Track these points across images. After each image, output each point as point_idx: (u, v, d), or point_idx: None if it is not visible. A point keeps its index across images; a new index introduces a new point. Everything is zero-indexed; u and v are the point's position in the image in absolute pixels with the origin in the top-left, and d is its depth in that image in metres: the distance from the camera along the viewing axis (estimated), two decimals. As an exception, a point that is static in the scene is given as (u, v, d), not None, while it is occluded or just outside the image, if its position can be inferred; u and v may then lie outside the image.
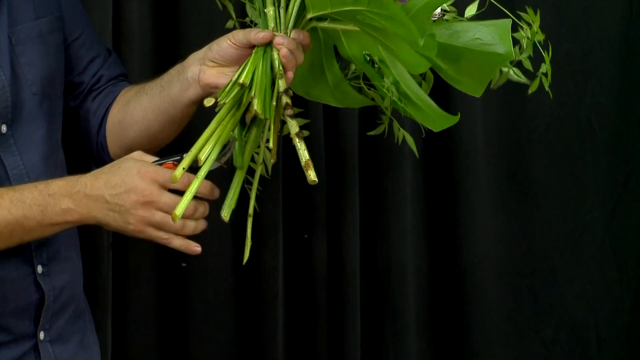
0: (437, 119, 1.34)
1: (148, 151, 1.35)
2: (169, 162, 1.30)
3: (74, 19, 1.47)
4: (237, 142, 1.30)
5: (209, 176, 1.30)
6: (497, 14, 1.41)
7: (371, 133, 1.56)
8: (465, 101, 2.03)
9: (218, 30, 1.80)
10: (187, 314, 1.93)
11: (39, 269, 1.35)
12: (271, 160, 1.36)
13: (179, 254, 1.85)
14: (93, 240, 1.77)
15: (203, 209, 1.30)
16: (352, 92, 1.40)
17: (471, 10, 1.41)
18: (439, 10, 1.37)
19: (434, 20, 1.36)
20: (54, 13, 1.42)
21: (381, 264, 2.05)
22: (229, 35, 1.35)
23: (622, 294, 2.22)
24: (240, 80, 1.28)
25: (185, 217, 1.27)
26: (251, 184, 1.40)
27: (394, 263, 2.04)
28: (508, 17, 1.37)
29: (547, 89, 1.45)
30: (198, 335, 1.93)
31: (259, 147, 1.39)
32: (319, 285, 1.99)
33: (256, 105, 1.27)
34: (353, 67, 1.45)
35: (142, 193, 1.26)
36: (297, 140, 1.27)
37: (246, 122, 1.32)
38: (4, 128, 1.33)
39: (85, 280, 1.50)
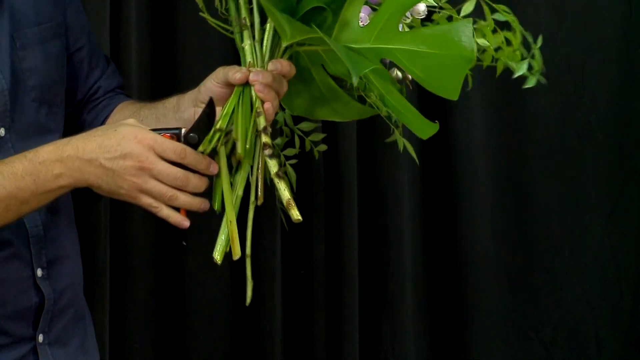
0: (423, 127, 1.33)
1: None
2: (167, 133, 1.28)
3: (78, 29, 1.47)
4: (222, 187, 1.29)
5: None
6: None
7: (388, 140, 1.56)
8: (465, 102, 2.03)
9: (215, 35, 1.81)
10: (184, 313, 1.93)
11: (39, 272, 1.34)
12: (257, 203, 1.34)
13: (177, 250, 1.88)
14: (91, 240, 1.77)
15: (196, 182, 1.26)
16: (353, 103, 1.40)
17: (468, 8, 1.41)
18: (423, 7, 1.36)
19: (421, 20, 1.36)
20: (56, 19, 1.42)
21: (379, 264, 2.05)
22: (213, 74, 1.34)
23: (622, 294, 2.22)
24: (217, 126, 1.28)
25: (176, 187, 1.25)
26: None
27: (393, 264, 2.04)
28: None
29: (537, 80, 1.45)
30: (195, 335, 1.93)
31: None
32: (318, 285, 1.99)
33: (239, 149, 1.27)
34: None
35: (138, 159, 1.24)
36: (277, 180, 1.26)
37: (232, 164, 1.31)
38: (2, 131, 1.32)
39: (83, 280, 1.50)
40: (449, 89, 1.29)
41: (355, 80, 1.17)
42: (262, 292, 1.93)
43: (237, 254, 1.29)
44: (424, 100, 1.87)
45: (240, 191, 1.31)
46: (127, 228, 1.86)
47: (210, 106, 1.30)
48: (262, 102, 1.29)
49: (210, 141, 1.28)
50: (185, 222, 1.27)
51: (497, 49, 1.43)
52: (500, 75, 2.11)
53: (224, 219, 1.30)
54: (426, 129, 1.33)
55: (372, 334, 2.05)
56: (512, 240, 2.16)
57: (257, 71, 1.30)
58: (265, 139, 1.28)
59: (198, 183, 1.26)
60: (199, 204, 1.27)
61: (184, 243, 1.37)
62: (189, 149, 1.26)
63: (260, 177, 1.31)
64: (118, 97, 1.52)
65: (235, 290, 1.94)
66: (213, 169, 1.29)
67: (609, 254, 2.21)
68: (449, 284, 2.11)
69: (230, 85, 1.32)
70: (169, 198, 1.25)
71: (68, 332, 1.41)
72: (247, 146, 1.27)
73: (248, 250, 1.32)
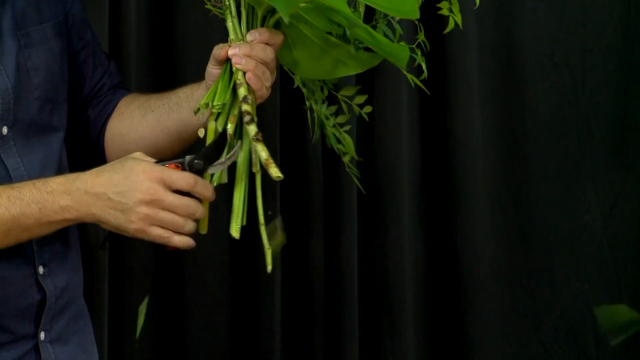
0: (398, 54, 1.34)
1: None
2: (172, 163, 1.29)
3: (81, 28, 1.48)
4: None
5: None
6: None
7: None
8: (464, 100, 2.03)
9: (215, 30, 1.81)
10: (183, 313, 1.93)
11: (40, 269, 1.34)
12: (253, 170, 1.35)
13: (176, 253, 1.88)
14: (90, 240, 1.77)
15: (202, 209, 1.29)
16: (360, 54, 1.40)
17: None
18: None
19: None
20: (57, 18, 1.42)
21: (379, 263, 2.05)
22: (210, 60, 1.36)
23: (620, 293, 2.22)
24: (203, 102, 1.30)
25: (187, 215, 1.27)
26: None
27: (392, 263, 2.04)
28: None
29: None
30: (195, 334, 1.93)
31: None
32: (317, 285, 1.99)
33: (218, 122, 1.29)
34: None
35: (147, 192, 1.25)
36: (254, 143, 1.28)
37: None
38: (5, 130, 1.32)
39: (83, 280, 1.50)
40: (409, 9, 1.30)
41: (286, 19, 1.18)
42: (261, 291, 1.93)
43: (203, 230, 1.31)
44: (425, 99, 1.88)
45: (240, 162, 1.32)
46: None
47: (222, 135, 1.31)
48: (244, 74, 1.30)
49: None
50: (192, 242, 1.30)
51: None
52: (501, 74, 2.12)
53: (235, 190, 1.31)
54: (401, 54, 1.32)
55: (372, 334, 2.05)
56: (511, 240, 2.16)
57: (235, 45, 1.32)
58: (244, 107, 1.29)
59: (203, 209, 1.29)
60: (195, 226, 1.30)
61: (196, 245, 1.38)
62: (198, 178, 1.28)
63: (257, 143, 1.31)
64: (120, 91, 1.52)
65: (234, 289, 1.94)
66: (214, 196, 1.30)
67: (607, 253, 2.21)
68: (448, 284, 2.11)
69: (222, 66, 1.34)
70: (181, 227, 1.27)
71: (69, 330, 1.41)
72: (227, 118, 1.29)
73: (261, 219, 1.33)
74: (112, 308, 1.82)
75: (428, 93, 1.56)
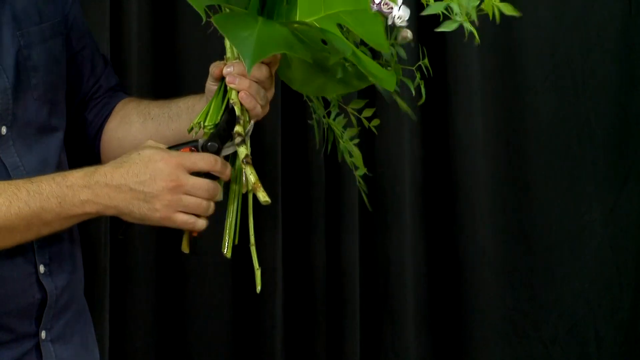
0: (386, 79, 1.35)
1: None
2: (187, 147, 1.30)
3: (80, 29, 1.48)
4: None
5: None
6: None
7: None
8: (465, 100, 2.03)
9: (215, 32, 1.81)
10: (185, 313, 1.92)
11: (41, 268, 1.35)
12: (243, 190, 1.35)
13: (177, 249, 1.87)
14: (91, 239, 1.77)
15: (222, 191, 1.30)
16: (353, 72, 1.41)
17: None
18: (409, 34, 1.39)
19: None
20: (56, 18, 1.42)
21: (380, 262, 2.05)
22: (208, 76, 1.37)
23: (621, 292, 2.22)
24: (195, 121, 1.31)
25: (210, 197, 1.28)
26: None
27: (393, 262, 2.04)
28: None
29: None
30: (196, 334, 1.93)
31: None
32: (318, 284, 1.99)
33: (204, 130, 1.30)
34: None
35: (169, 178, 1.25)
36: (244, 166, 1.29)
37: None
38: (3, 130, 1.32)
39: (84, 280, 1.50)
40: (380, 42, 1.31)
41: (248, 68, 1.17)
42: (263, 292, 1.93)
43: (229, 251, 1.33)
44: (426, 100, 1.87)
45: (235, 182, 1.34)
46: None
47: (231, 113, 1.31)
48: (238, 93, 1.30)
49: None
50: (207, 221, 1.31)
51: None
52: (502, 73, 2.12)
53: (228, 208, 1.33)
54: (389, 80, 1.34)
55: (373, 333, 2.05)
56: (512, 239, 2.16)
57: (230, 63, 1.32)
58: (236, 128, 1.29)
59: (221, 189, 1.30)
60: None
61: (196, 254, 1.38)
62: (218, 158, 1.29)
63: (245, 166, 1.32)
64: (117, 94, 1.53)
65: (235, 290, 1.94)
66: (228, 173, 1.31)
67: (608, 252, 2.21)
68: (450, 283, 2.11)
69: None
70: (205, 210, 1.28)
71: (70, 329, 1.41)
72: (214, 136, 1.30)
73: (252, 239, 1.34)
74: (113, 308, 1.82)
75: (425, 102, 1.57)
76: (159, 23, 1.86)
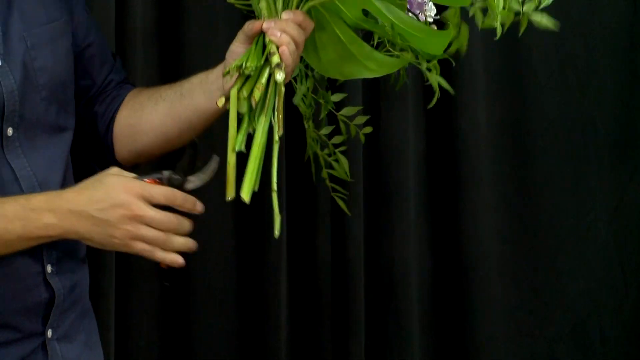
0: (435, 41, 1.39)
1: (158, 154, 1.42)
2: (151, 178, 1.31)
3: (86, 26, 1.49)
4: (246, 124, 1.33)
5: (194, 192, 1.32)
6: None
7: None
8: (469, 99, 2.03)
9: (220, 27, 1.81)
10: (189, 313, 1.92)
11: (49, 268, 1.35)
12: (278, 136, 1.36)
13: (180, 252, 1.87)
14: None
15: (187, 224, 1.31)
16: (382, 58, 1.43)
17: None
18: None
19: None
20: (62, 17, 1.43)
21: (385, 262, 2.05)
22: (235, 38, 1.39)
23: (626, 291, 2.22)
24: (235, 64, 1.32)
25: (169, 230, 1.28)
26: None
27: (398, 261, 2.04)
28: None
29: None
30: (201, 333, 1.93)
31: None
32: (323, 283, 1.99)
33: (254, 89, 1.31)
34: (376, 36, 1.48)
35: (129, 208, 1.27)
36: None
37: (252, 106, 1.34)
38: (10, 131, 1.33)
39: (89, 280, 1.50)
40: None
41: None
42: (267, 289, 1.93)
43: (230, 195, 1.31)
44: (431, 98, 1.87)
45: (260, 130, 1.34)
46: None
47: (192, 147, 1.34)
48: (277, 48, 1.33)
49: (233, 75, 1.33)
50: (180, 260, 1.31)
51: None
52: (506, 73, 2.12)
53: (251, 155, 1.33)
54: (439, 40, 1.37)
55: (377, 331, 2.05)
56: (516, 238, 2.16)
57: (270, 19, 1.35)
58: (278, 72, 1.31)
59: (188, 224, 1.31)
60: (191, 244, 1.32)
61: (167, 284, 1.39)
62: (177, 191, 1.30)
63: (279, 115, 1.35)
64: (126, 86, 1.54)
65: (240, 288, 1.94)
66: (198, 207, 1.32)
67: (613, 251, 2.21)
68: (454, 282, 2.11)
69: (250, 44, 1.36)
70: (163, 242, 1.29)
71: (75, 328, 1.41)
72: (262, 82, 1.32)
73: (274, 185, 1.34)
74: (118, 307, 1.82)
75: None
76: (164, 19, 1.86)
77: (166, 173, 1.31)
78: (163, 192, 1.29)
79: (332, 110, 1.62)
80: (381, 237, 2.04)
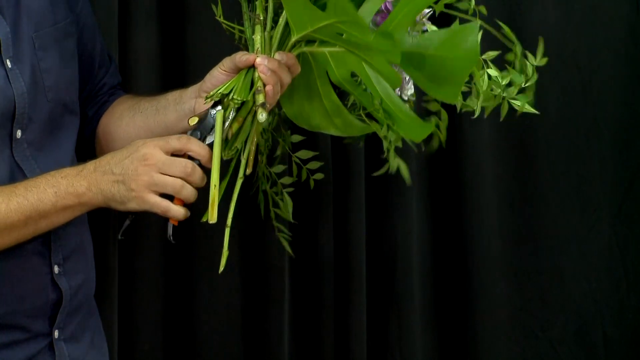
0: (418, 129, 1.39)
1: None
2: None
3: (91, 27, 1.50)
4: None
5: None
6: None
7: (376, 174, 1.67)
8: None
9: (223, 33, 1.81)
10: (193, 313, 1.92)
11: (56, 269, 1.36)
12: (247, 171, 1.39)
13: (185, 251, 1.88)
14: (99, 239, 1.77)
15: (200, 172, 1.32)
16: (351, 120, 1.45)
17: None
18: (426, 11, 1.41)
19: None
20: (68, 18, 1.43)
21: (387, 262, 2.05)
22: (219, 64, 1.39)
23: (629, 292, 2.22)
24: (220, 91, 1.34)
25: (183, 175, 1.30)
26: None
27: (400, 261, 2.04)
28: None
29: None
30: (204, 335, 1.93)
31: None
32: (325, 283, 1.99)
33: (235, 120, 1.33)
34: (352, 98, 1.49)
35: (144, 157, 1.29)
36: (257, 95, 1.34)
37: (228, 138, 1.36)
38: (19, 133, 1.33)
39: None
40: (450, 93, 1.33)
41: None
42: (270, 291, 1.93)
43: (212, 219, 1.33)
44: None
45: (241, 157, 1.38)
46: (136, 228, 1.85)
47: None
48: (264, 85, 1.34)
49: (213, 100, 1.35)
50: (187, 212, 1.32)
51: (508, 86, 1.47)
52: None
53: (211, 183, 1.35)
54: (421, 129, 1.37)
55: (380, 333, 2.05)
56: (519, 239, 2.16)
57: (264, 56, 1.35)
58: (261, 111, 1.32)
59: (201, 173, 1.32)
60: (195, 195, 1.32)
61: (174, 242, 1.40)
62: (191, 137, 1.32)
63: (251, 149, 1.38)
64: (117, 92, 1.56)
65: (243, 290, 1.94)
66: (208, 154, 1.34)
67: (616, 252, 2.21)
68: (456, 283, 2.11)
69: (236, 73, 1.36)
70: (179, 187, 1.29)
71: (81, 328, 1.42)
72: (242, 116, 1.34)
73: (229, 221, 1.37)
74: (121, 308, 1.82)
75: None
76: (166, 23, 1.85)
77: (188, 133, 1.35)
78: (179, 138, 1.31)
79: (287, 150, 1.64)
80: (383, 238, 2.04)
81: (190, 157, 1.32)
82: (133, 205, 1.30)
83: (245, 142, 1.37)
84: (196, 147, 1.31)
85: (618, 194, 2.20)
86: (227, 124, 1.35)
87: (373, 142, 1.97)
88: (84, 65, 1.48)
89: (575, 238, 2.18)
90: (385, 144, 1.53)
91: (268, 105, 1.33)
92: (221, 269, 1.37)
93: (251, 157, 1.38)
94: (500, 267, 2.13)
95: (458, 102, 1.47)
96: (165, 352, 1.92)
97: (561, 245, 2.17)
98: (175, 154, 1.31)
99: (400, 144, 1.54)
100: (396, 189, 2.02)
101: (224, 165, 1.36)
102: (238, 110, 1.36)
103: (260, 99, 1.33)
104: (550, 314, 2.18)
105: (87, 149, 1.53)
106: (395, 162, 1.57)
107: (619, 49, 2.16)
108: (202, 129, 1.35)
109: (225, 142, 1.35)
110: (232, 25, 1.51)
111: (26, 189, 1.28)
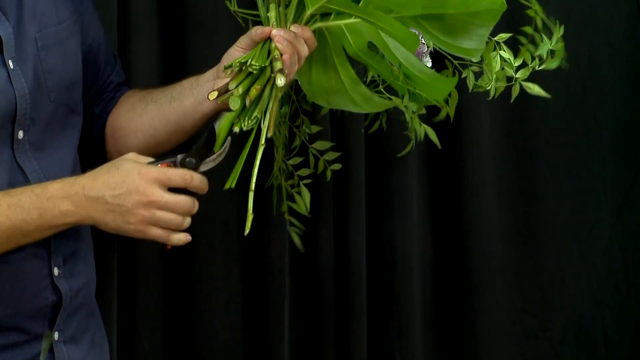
0: (441, 86, 1.39)
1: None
2: (165, 162, 1.32)
3: (94, 25, 1.49)
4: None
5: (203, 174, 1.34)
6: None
7: (402, 153, 1.69)
8: (471, 99, 2.03)
9: (224, 27, 1.81)
10: (193, 313, 1.92)
11: (56, 271, 1.35)
12: (268, 135, 1.38)
13: (186, 251, 1.87)
14: (99, 239, 1.77)
15: (197, 205, 1.33)
16: (370, 95, 1.44)
17: None
18: None
19: None
20: (71, 17, 1.43)
21: (387, 262, 2.05)
22: (236, 42, 1.40)
23: (629, 292, 2.22)
24: (238, 60, 1.33)
25: (184, 213, 1.30)
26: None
27: (400, 262, 2.04)
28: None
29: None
30: (205, 334, 1.93)
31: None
32: (326, 284, 1.98)
33: (253, 87, 1.32)
34: (370, 74, 1.47)
35: (144, 193, 1.27)
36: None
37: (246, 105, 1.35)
38: (20, 134, 1.33)
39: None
40: (472, 48, 1.32)
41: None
42: (270, 292, 1.93)
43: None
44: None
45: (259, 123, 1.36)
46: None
47: (210, 131, 1.35)
48: (281, 55, 1.34)
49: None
50: (190, 238, 1.33)
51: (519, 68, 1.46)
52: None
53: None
54: (444, 86, 1.36)
55: (380, 334, 2.05)
56: (520, 239, 2.15)
57: (280, 28, 1.36)
58: (279, 76, 1.32)
59: (197, 204, 1.33)
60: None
61: (170, 264, 1.40)
62: (193, 173, 1.31)
63: (271, 118, 1.36)
64: (123, 89, 1.55)
65: (244, 290, 1.94)
66: (205, 189, 1.34)
67: (616, 252, 2.21)
68: (457, 284, 2.11)
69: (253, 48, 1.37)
70: (179, 225, 1.30)
71: (81, 329, 1.42)
72: (261, 83, 1.33)
73: (252, 185, 1.36)
74: (121, 309, 1.82)
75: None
76: (166, 23, 1.85)
77: (180, 157, 1.32)
78: (180, 174, 1.30)
79: (304, 141, 1.63)
80: (383, 239, 2.04)
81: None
82: (129, 234, 1.30)
83: (265, 111, 1.36)
84: (198, 184, 1.32)
85: (618, 194, 2.20)
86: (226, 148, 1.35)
87: (373, 141, 1.98)
88: (90, 64, 1.48)
89: (576, 238, 2.18)
90: (407, 115, 1.51)
91: (286, 73, 1.33)
92: (246, 231, 1.35)
93: (273, 120, 1.36)
94: (500, 267, 2.13)
95: (469, 78, 1.44)
96: (165, 352, 1.91)
97: (561, 246, 2.17)
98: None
99: (424, 111, 1.52)
100: (396, 189, 2.02)
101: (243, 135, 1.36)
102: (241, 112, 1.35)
103: (278, 65, 1.32)
104: (550, 314, 2.18)
105: (95, 149, 1.52)
106: (422, 129, 1.55)
107: (619, 50, 2.16)
108: (202, 150, 1.33)
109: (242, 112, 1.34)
110: (247, 12, 1.51)
111: (9, 208, 1.27)
